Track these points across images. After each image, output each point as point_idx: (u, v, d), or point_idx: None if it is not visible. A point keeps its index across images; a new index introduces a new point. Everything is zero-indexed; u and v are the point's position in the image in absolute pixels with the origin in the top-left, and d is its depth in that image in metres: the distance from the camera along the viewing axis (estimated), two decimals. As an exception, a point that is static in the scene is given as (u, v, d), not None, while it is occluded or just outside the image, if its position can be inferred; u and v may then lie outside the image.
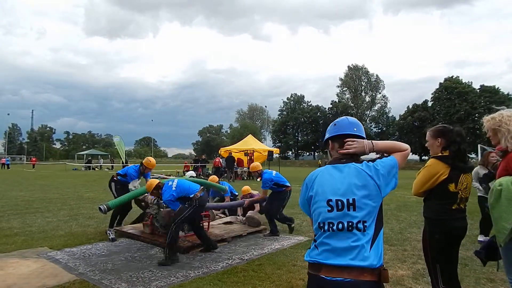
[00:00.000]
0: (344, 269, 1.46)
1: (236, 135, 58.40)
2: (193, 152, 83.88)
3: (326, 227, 1.53)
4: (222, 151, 24.69)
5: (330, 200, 1.53)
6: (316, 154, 68.57)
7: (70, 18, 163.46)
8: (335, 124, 1.76)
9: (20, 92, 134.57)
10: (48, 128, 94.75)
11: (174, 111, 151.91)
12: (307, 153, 71.97)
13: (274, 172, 6.35)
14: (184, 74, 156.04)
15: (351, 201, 1.51)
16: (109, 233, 5.66)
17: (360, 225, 1.49)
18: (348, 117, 1.79)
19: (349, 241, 1.48)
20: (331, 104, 66.36)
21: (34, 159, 43.98)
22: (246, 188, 7.31)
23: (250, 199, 6.70)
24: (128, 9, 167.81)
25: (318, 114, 67.36)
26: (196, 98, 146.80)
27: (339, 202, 1.52)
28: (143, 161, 6.38)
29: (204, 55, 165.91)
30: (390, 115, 62.81)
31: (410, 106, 54.61)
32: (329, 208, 1.53)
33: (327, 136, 1.78)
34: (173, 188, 4.81)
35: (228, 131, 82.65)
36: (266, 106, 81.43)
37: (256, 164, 6.70)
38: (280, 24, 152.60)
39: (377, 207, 1.54)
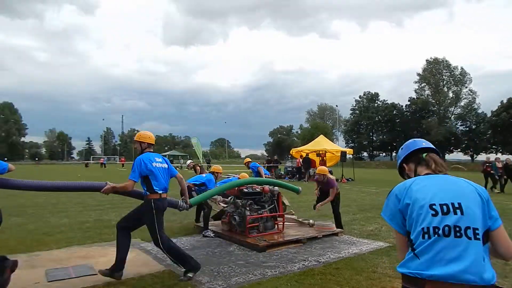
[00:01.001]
0: (453, 286, 1.31)
1: (307, 136, 57.73)
2: (264, 153, 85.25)
3: (431, 232, 1.39)
4: (293, 151, 24.70)
5: (434, 204, 1.43)
6: (393, 154, 64.34)
7: (150, 31, 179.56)
8: (402, 148, 1.81)
9: (112, 99, 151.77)
10: (136, 131, 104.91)
11: (246, 112, 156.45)
12: (384, 154, 67.93)
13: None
14: (253, 77, 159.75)
15: (456, 204, 1.40)
16: (208, 234, 5.98)
17: (470, 232, 1.35)
18: (413, 139, 1.84)
19: (458, 249, 1.34)
20: (408, 101, 61.63)
21: (123, 159, 49.17)
22: (324, 168, 6.78)
23: (116, 185, 3.92)
24: (199, 18, 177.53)
25: (395, 112, 63.11)
26: (266, 100, 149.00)
27: (444, 206, 1.41)
28: (212, 169, 7.10)
29: (272, 57, 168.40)
30: (479, 111, 55.85)
31: (505, 101, 48.02)
32: (433, 212, 1.41)
33: (399, 161, 1.80)
34: None
35: (299, 132, 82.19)
36: (337, 106, 79.03)
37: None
38: (348, 21, 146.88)
39: (483, 215, 1.41)
